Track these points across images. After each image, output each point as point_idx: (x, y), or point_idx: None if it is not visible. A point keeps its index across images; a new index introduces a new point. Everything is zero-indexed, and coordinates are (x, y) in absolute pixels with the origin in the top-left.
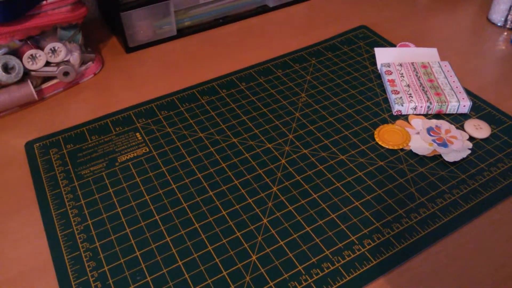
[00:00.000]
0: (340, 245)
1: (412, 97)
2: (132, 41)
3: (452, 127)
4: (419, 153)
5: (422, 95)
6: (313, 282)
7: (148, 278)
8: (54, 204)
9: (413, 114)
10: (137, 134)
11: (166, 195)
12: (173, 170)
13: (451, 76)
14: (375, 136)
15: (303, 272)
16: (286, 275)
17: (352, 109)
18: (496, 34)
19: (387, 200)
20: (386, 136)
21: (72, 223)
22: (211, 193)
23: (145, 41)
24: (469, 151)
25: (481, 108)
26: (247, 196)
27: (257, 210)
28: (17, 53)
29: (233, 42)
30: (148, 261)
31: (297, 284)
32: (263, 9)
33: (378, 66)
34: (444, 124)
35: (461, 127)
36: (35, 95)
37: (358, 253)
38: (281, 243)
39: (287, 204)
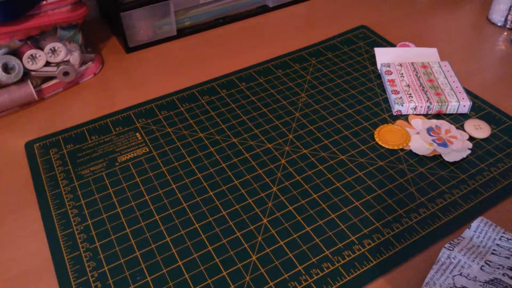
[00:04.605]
0: (340, 245)
1: (412, 97)
2: (132, 41)
3: (452, 127)
4: (419, 153)
5: (422, 95)
6: (313, 282)
7: (148, 278)
8: (54, 204)
9: (413, 114)
10: (137, 134)
11: (166, 195)
12: (173, 170)
13: (451, 76)
14: (375, 136)
15: (303, 272)
16: (286, 275)
17: (352, 109)
18: (496, 34)
19: (387, 200)
20: (386, 136)
21: (72, 223)
22: (211, 193)
23: (145, 41)
24: (469, 151)
25: (481, 108)
26: (247, 196)
27: (257, 210)
28: (17, 53)
29: (233, 42)
30: (148, 261)
31: (297, 284)
32: (263, 9)
33: (378, 66)
34: (444, 124)
35: (461, 127)
36: (35, 95)
37: (358, 253)
38: (281, 243)
39: (287, 204)
